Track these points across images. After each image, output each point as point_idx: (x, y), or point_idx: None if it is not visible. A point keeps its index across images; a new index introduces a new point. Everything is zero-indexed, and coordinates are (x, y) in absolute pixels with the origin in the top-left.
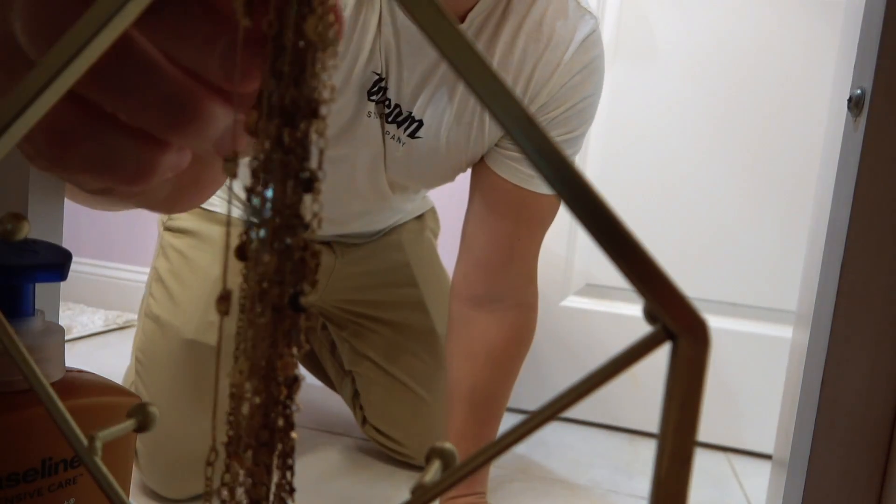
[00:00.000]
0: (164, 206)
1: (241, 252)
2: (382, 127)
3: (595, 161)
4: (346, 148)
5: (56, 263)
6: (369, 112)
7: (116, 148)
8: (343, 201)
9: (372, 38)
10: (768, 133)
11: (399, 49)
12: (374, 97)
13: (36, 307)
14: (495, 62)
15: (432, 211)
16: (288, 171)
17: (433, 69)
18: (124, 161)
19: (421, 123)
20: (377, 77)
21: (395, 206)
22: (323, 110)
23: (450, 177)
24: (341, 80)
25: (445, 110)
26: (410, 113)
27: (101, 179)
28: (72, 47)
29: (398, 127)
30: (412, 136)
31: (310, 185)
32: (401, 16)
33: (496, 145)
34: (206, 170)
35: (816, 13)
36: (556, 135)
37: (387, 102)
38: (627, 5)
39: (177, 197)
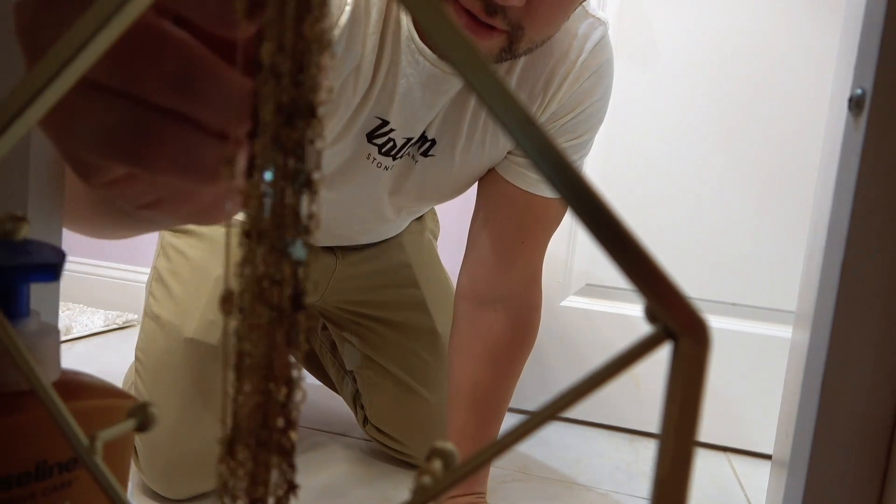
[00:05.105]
0: (185, 219)
1: (227, 300)
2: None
3: (595, 161)
4: (345, 189)
5: (49, 264)
6: (369, 154)
7: (197, 146)
8: (342, 226)
9: (378, 82)
10: (768, 133)
11: (411, 93)
12: (375, 140)
13: (31, 308)
14: (513, 82)
15: (432, 212)
16: (286, 172)
17: (446, 99)
18: (202, 159)
19: (434, 142)
20: (380, 122)
21: (399, 224)
22: (320, 110)
23: (462, 190)
24: (342, 124)
25: (459, 127)
26: (423, 132)
27: (183, 177)
28: (71, 48)
29: (411, 145)
30: (425, 154)
31: (308, 185)
32: (419, 61)
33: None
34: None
35: (816, 13)
36: (564, 140)
37: (391, 142)
38: (627, 5)
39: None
